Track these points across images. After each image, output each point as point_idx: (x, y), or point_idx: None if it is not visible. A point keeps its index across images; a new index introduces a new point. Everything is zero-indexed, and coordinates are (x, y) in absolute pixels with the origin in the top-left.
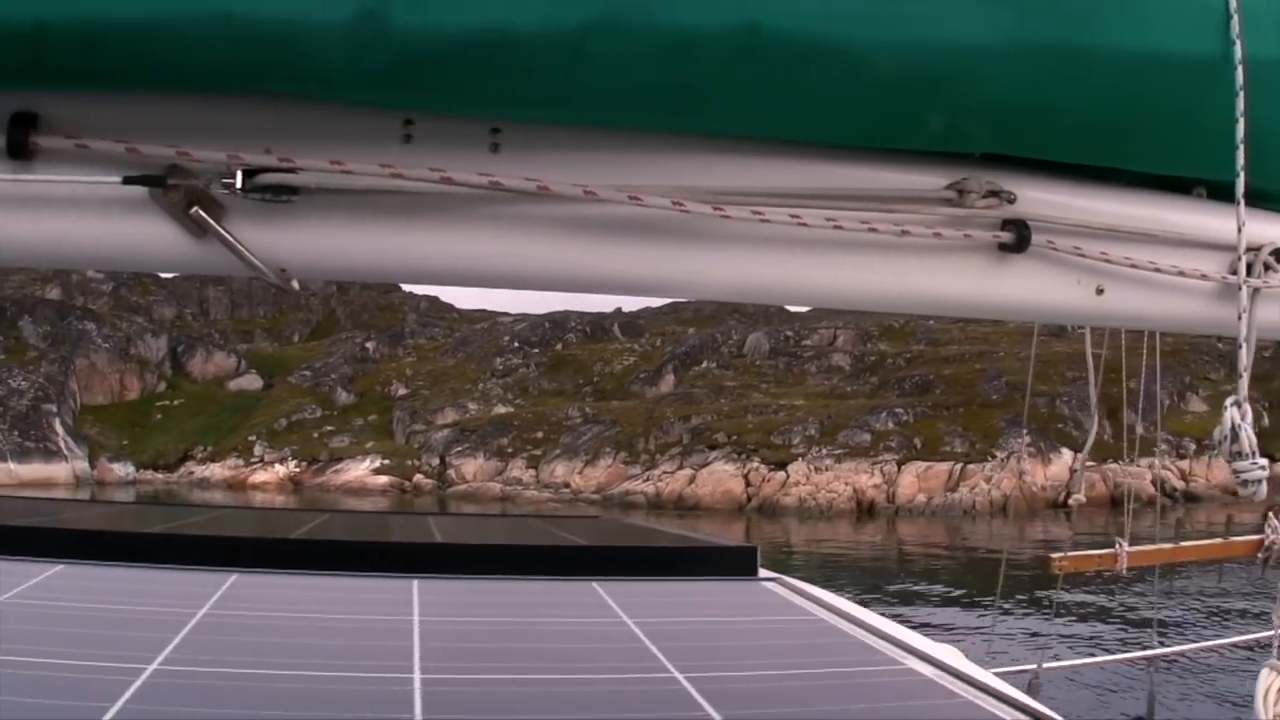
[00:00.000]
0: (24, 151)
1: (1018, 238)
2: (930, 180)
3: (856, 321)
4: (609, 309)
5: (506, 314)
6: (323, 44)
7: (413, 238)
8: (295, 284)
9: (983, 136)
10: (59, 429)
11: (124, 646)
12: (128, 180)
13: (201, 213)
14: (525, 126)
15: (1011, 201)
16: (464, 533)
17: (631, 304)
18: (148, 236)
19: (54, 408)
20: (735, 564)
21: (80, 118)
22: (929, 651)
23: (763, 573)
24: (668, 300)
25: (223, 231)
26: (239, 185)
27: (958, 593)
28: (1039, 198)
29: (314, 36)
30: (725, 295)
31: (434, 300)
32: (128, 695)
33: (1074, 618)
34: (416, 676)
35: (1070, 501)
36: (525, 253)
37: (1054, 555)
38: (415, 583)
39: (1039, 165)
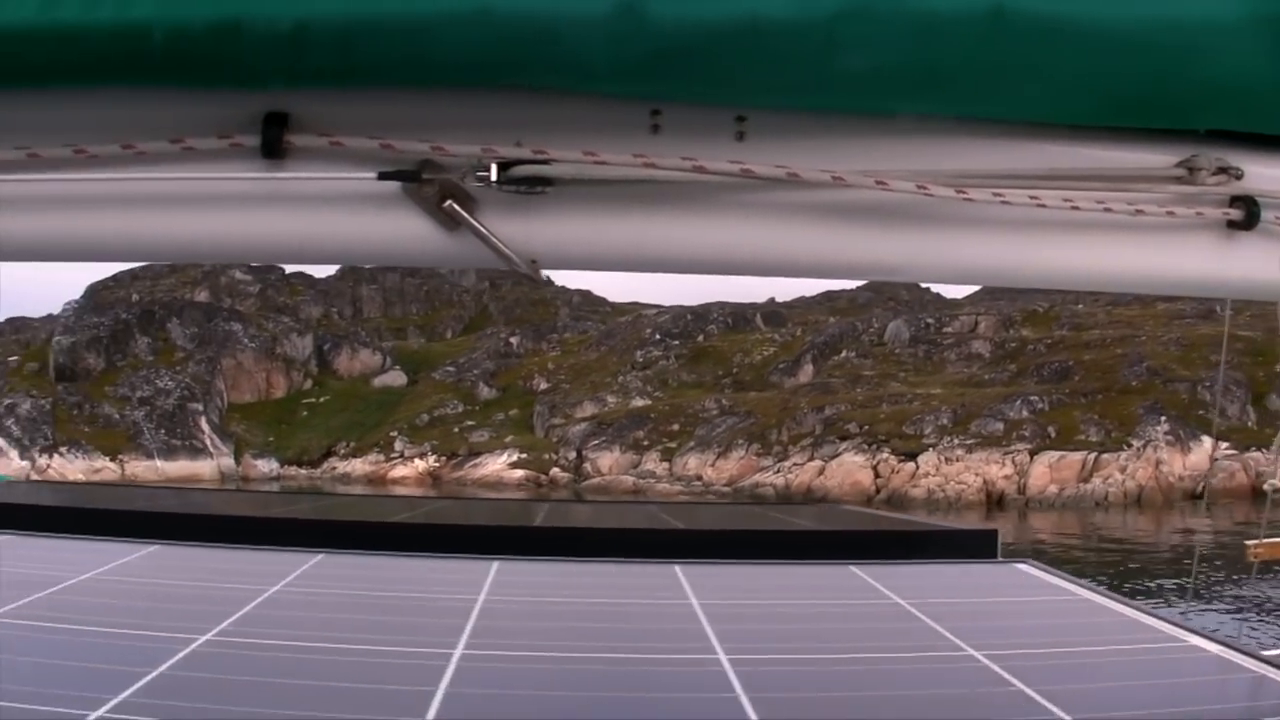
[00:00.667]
0: (278, 150)
1: (1247, 215)
2: (1160, 158)
3: (999, 307)
4: (756, 299)
5: (654, 306)
6: (582, 36)
7: (661, 227)
8: (544, 275)
9: (1212, 112)
10: (205, 427)
11: (428, 633)
12: (383, 176)
13: (455, 206)
14: (770, 113)
15: (1239, 178)
16: (699, 520)
17: (783, 292)
18: (400, 231)
19: (200, 406)
20: (977, 546)
21: (332, 115)
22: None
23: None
24: (821, 288)
25: (476, 224)
26: (493, 178)
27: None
28: (1266, 173)
29: (575, 29)
30: (966, 279)
31: (587, 294)
32: (447, 680)
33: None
34: (723, 657)
35: (1265, 488)
36: (772, 240)
37: (1249, 542)
38: (678, 568)
39: (1264, 140)
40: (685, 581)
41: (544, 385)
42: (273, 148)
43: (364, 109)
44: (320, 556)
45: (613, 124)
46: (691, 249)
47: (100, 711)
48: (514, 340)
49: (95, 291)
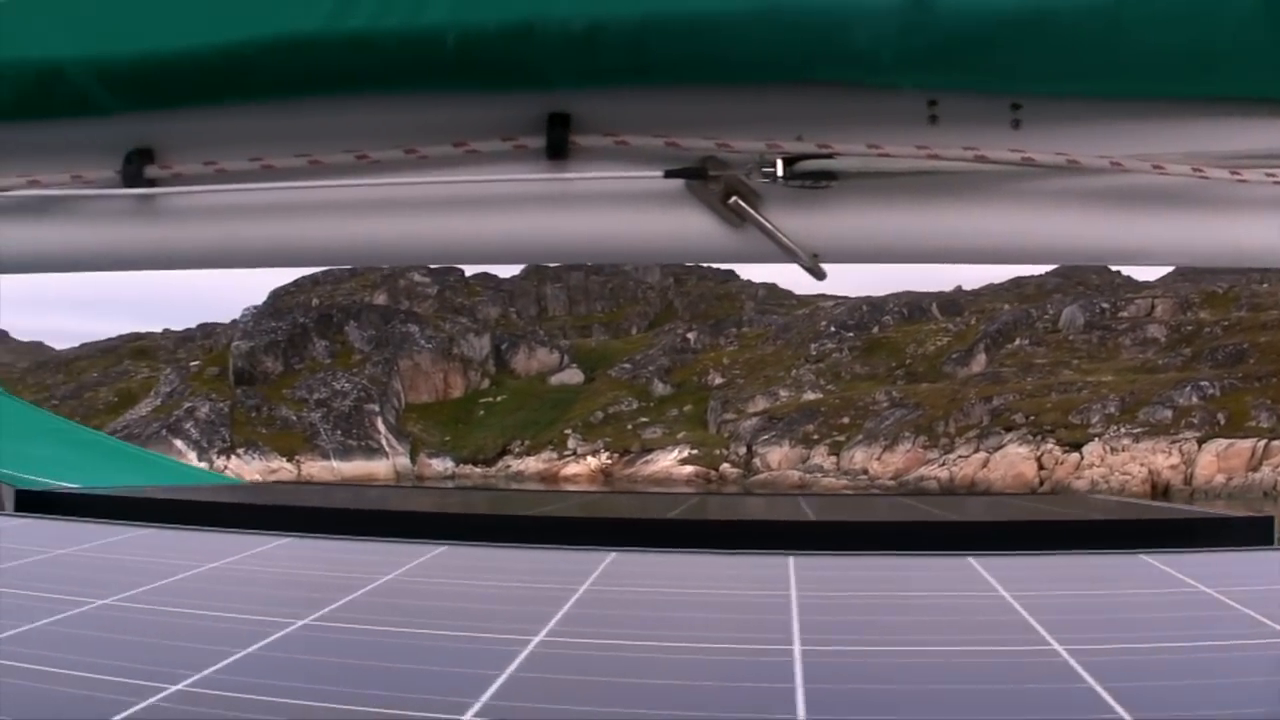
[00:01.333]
0: (563, 151)
1: None
2: None
3: (1178, 289)
4: (944, 287)
5: (838, 298)
6: (872, 28)
7: (941, 218)
8: (824, 270)
9: None
10: (381, 427)
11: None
12: (669, 174)
13: (740, 202)
14: (1046, 100)
15: None
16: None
17: (970, 279)
18: (685, 228)
19: (376, 407)
20: (1252, 533)
21: (616, 115)
22: None
23: None
24: (1010, 274)
25: (762, 220)
26: (779, 173)
27: None
28: None
29: (865, 22)
30: (1238, 261)
31: (772, 287)
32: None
33: None
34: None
35: None
36: (1050, 227)
37: None
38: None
39: None
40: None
41: (719, 380)
42: (557, 148)
43: (648, 107)
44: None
45: (891, 116)
46: (970, 239)
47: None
48: (691, 336)
49: (278, 296)
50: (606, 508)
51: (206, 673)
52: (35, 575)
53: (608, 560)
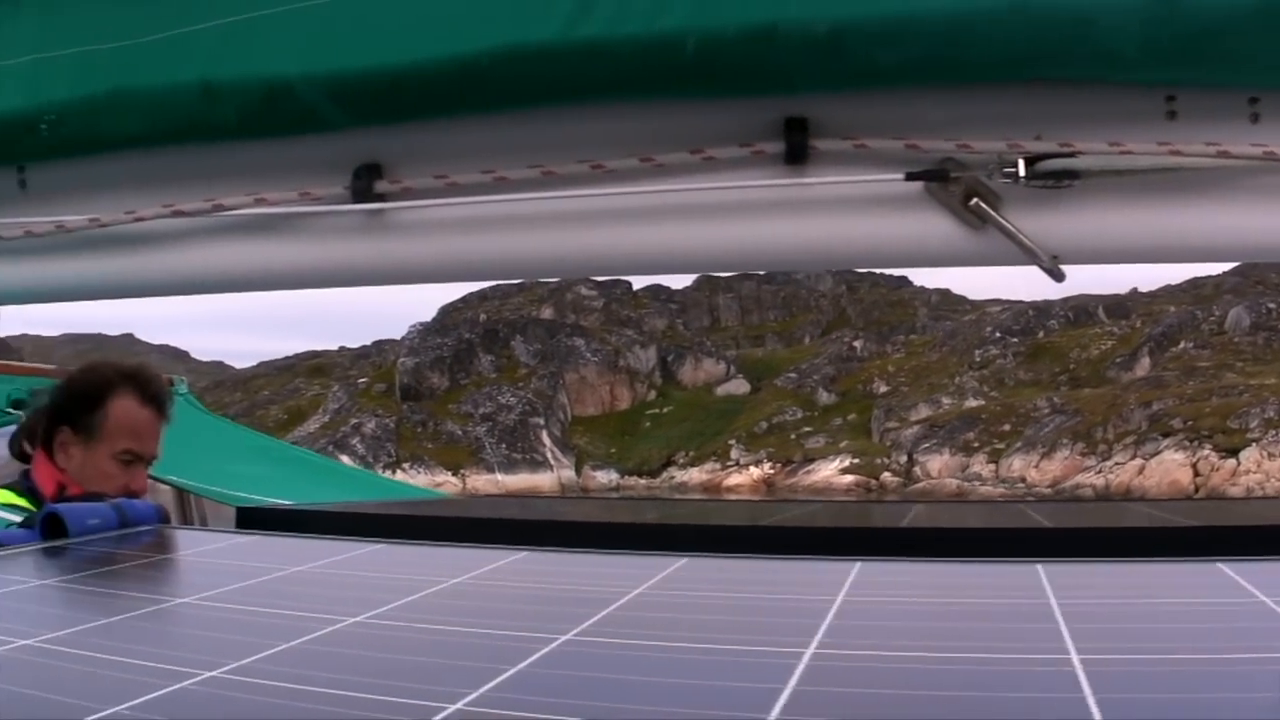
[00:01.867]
0: (802, 156)
1: None
2: None
3: None
4: (1117, 289)
5: (1011, 302)
6: (1114, 24)
7: (1181, 216)
8: (1064, 272)
9: None
10: (546, 440)
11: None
12: (910, 176)
13: (981, 204)
14: None
15: None
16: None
17: (1146, 281)
18: (925, 232)
19: (541, 420)
20: None
21: (854, 117)
22: None
23: None
24: (1188, 274)
25: (1003, 222)
26: (1021, 173)
27: None
28: None
29: (1107, 17)
30: None
31: (945, 293)
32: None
33: None
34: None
35: None
36: None
37: None
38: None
39: None
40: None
41: (883, 389)
42: (797, 153)
43: (888, 109)
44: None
45: (1129, 112)
46: (1210, 237)
47: (459, 705)
48: (857, 344)
49: (446, 313)
50: (837, 517)
51: (484, 690)
52: (276, 593)
53: (855, 570)
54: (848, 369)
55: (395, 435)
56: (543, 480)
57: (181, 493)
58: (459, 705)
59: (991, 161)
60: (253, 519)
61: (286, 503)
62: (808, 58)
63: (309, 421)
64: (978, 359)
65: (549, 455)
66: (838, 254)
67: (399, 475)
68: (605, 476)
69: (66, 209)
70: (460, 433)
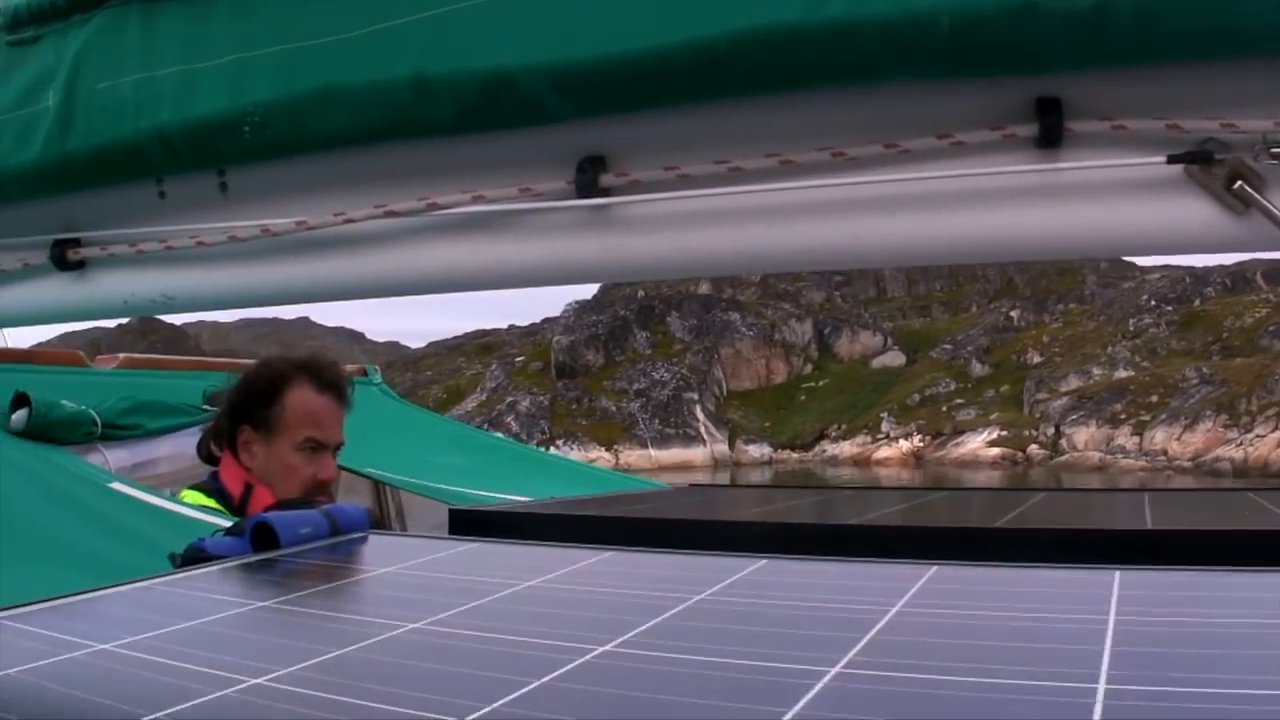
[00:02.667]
0: (1056, 138)
1: None
2: None
3: None
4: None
5: (1161, 268)
6: None
7: None
8: None
9: None
10: (699, 415)
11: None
12: (1172, 159)
13: (1246, 188)
14: None
15: None
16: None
17: None
18: (1184, 218)
19: (695, 395)
20: None
21: (1111, 97)
22: None
23: None
24: None
25: (1269, 206)
26: None
27: None
28: None
29: None
30: None
31: (1115, 260)
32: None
33: None
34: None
35: None
36: None
37: None
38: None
39: None
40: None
41: (1037, 359)
42: (1050, 136)
43: (1147, 87)
44: (935, 570)
45: None
46: None
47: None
48: (1014, 314)
49: (605, 290)
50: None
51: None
52: (513, 615)
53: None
54: (1002, 340)
55: (549, 412)
56: (695, 454)
57: (378, 485)
58: None
59: (1257, 142)
60: (466, 521)
61: (498, 498)
62: (1066, 34)
63: (467, 400)
64: (1131, 328)
65: (702, 430)
66: (1092, 242)
67: (552, 452)
68: (758, 450)
69: (269, 212)
70: (614, 409)
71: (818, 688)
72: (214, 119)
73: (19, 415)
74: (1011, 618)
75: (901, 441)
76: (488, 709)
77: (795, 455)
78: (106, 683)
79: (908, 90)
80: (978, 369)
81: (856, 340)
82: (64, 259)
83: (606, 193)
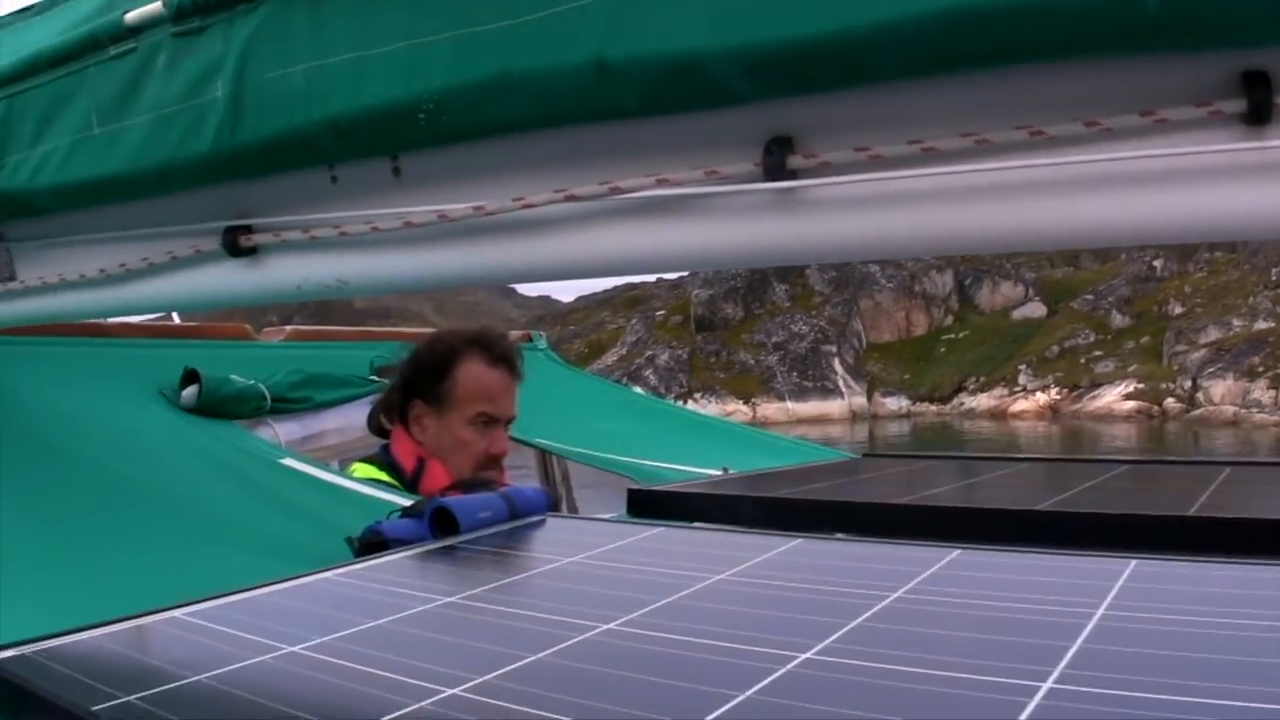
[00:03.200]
0: (1265, 115)
1: None
2: None
3: None
4: None
5: None
6: None
7: None
8: None
9: None
10: (837, 368)
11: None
12: None
13: None
14: None
15: None
16: None
17: None
18: None
19: (833, 348)
20: None
21: None
22: None
23: None
24: None
25: None
26: None
27: None
28: None
29: None
30: None
31: None
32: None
33: None
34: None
35: None
36: None
37: None
38: None
39: None
40: None
41: (1178, 310)
42: (1259, 112)
43: None
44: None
45: None
46: None
47: None
48: (1157, 263)
49: None
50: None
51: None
52: (706, 614)
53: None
54: (1144, 290)
55: (688, 366)
56: (832, 407)
57: (544, 454)
58: None
59: None
60: (647, 502)
61: (670, 468)
62: (1276, 5)
63: (607, 354)
64: (1274, 278)
65: (840, 382)
66: None
67: (690, 405)
68: (895, 403)
69: (443, 196)
70: (752, 362)
71: (1031, 706)
72: (388, 106)
73: (189, 392)
74: (1226, 623)
75: (1038, 394)
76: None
77: (933, 408)
78: (301, 691)
79: (1108, 66)
80: (1118, 320)
81: (997, 291)
82: (236, 245)
83: (794, 175)
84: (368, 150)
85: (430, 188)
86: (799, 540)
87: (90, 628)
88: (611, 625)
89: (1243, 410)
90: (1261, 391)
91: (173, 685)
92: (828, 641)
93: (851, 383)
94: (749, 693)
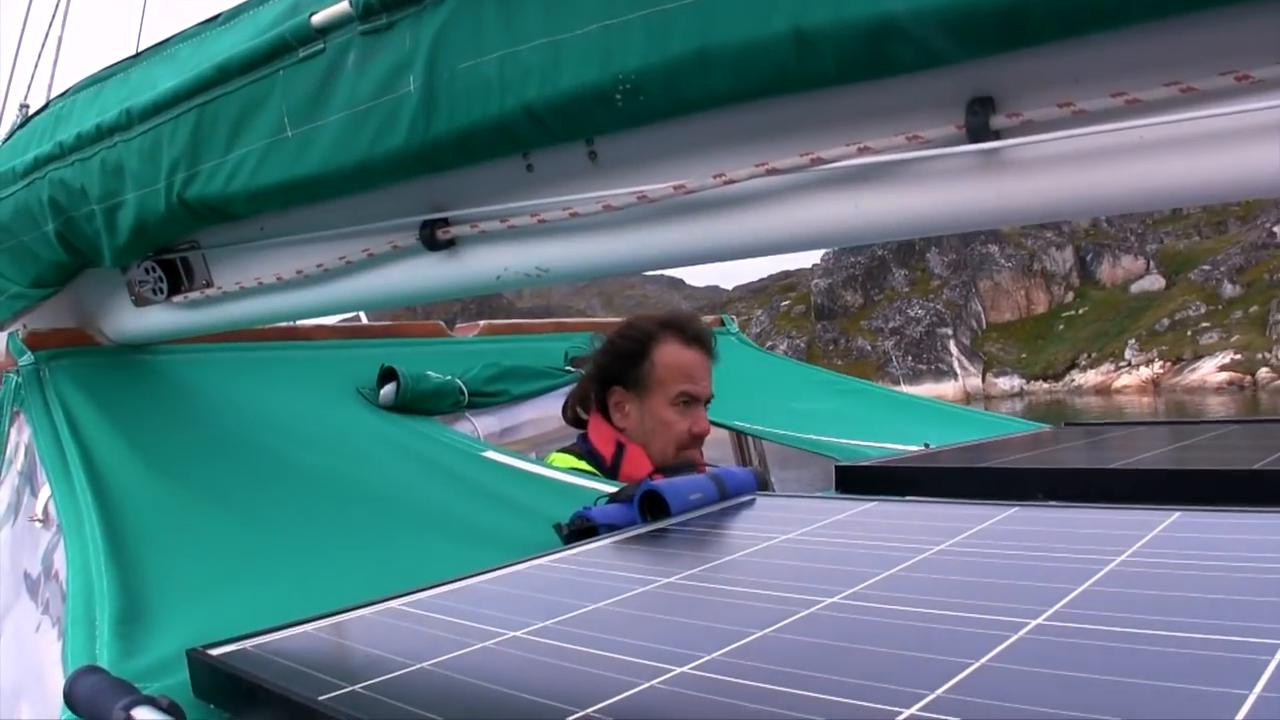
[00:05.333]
0: None
1: None
2: None
3: None
4: None
5: None
6: None
7: None
8: None
9: None
10: (952, 349)
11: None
12: None
13: None
14: None
15: None
16: None
17: None
18: None
19: (949, 330)
20: None
21: None
22: None
23: None
24: None
25: None
26: None
27: None
28: None
29: None
30: None
31: None
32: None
33: None
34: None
35: None
36: None
37: None
38: None
39: None
40: None
41: None
42: None
43: None
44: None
45: None
46: None
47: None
48: (1277, 229)
49: None
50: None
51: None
52: (925, 585)
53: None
54: (1258, 258)
55: (806, 355)
56: (946, 389)
57: (739, 436)
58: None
59: None
60: (855, 478)
61: (872, 447)
62: None
63: None
64: None
65: (955, 364)
66: None
67: None
68: (1007, 383)
69: (640, 178)
70: (869, 348)
71: (1274, 663)
72: (584, 90)
73: (387, 390)
74: None
75: (1142, 369)
76: (930, 697)
77: (1045, 386)
78: (526, 676)
79: None
80: (1229, 290)
81: (1118, 265)
82: (434, 239)
83: (997, 135)
84: (563, 136)
85: (627, 170)
86: (1014, 509)
87: (308, 620)
88: (836, 599)
89: None
90: None
91: (397, 674)
92: (1057, 607)
93: (967, 364)
94: (984, 659)
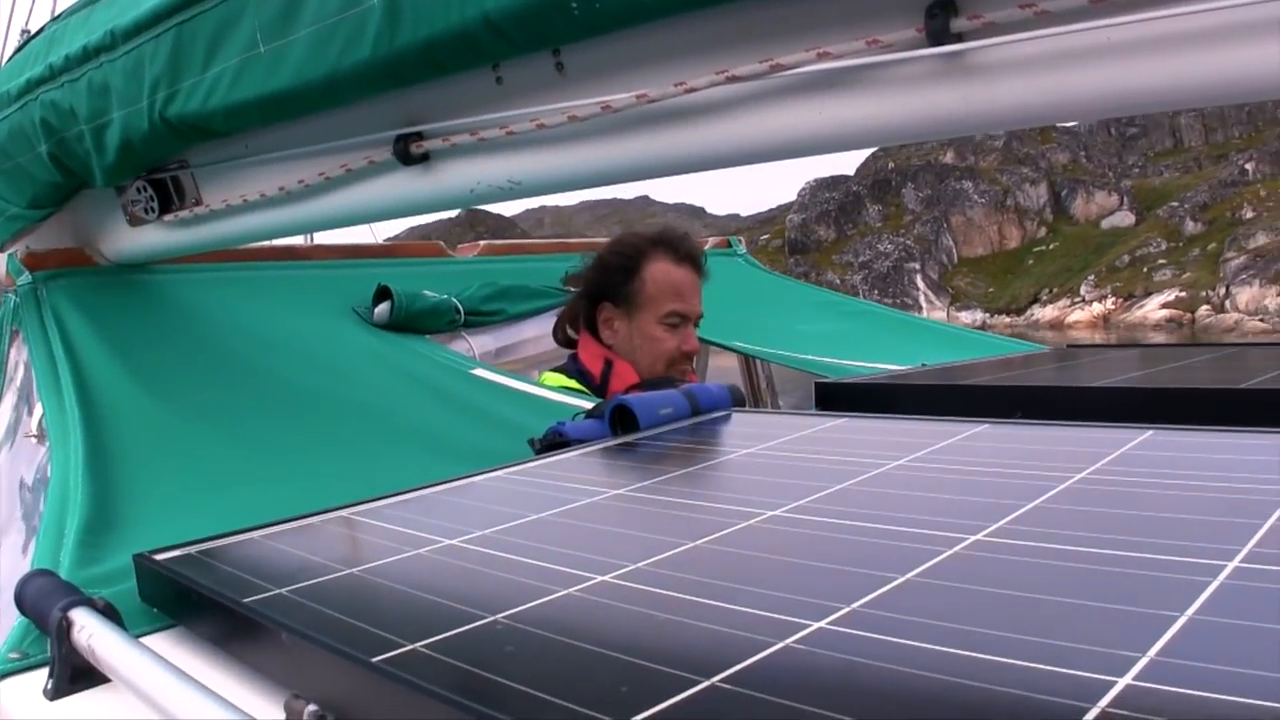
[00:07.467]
0: None
1: None
2: None
3: None
4: None
5: None
6: None
7: None
8: None
9: None
10: (919, 284)
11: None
12: None
13: None
14: None
15: None
16: None
17: None
18: None
19: (916, 265)
20: None
21: None
22: None
23: None
24: None
25: None
26: None
27: None
28: None
29: None
30: None
31: None
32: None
33: None
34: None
35: None
36: None
37: None
38: None
39: None
40: None
41: (1249, 214)
42: None
43: None
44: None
45: None
46: None
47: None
48: (1249, 166)
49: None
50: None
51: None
52: (880, 500)
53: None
54: (1223, 195)
55: None
56: None
57: (748, 359)
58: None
59: None
60: (833, 395)
61: (868, 367)
62: None
63: None
64: None
65: (920, 298)
66: None
67: None
68: (969, 317)
69: (607, 88)
70: (839, 282)
71: (1213, 585)
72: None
73: (381, 309)
74: None
75: (1094, 305)
76: (844, 609)
77: (1007, 320)
78: (446, 582)
79: None
80: (1190, 227)
81: (1092, 201)
82: (408, 154)
83: (959, 38)
84: (526, 46)
85: (594, 81)
86: (985, 425)
87: (258, 528)
88: (778, 512)
89: (1252, 320)
90: (1273, 299)
91: (322, 579)
92: (1000, 523)
93: (933, 298)
94: (910, 574)
